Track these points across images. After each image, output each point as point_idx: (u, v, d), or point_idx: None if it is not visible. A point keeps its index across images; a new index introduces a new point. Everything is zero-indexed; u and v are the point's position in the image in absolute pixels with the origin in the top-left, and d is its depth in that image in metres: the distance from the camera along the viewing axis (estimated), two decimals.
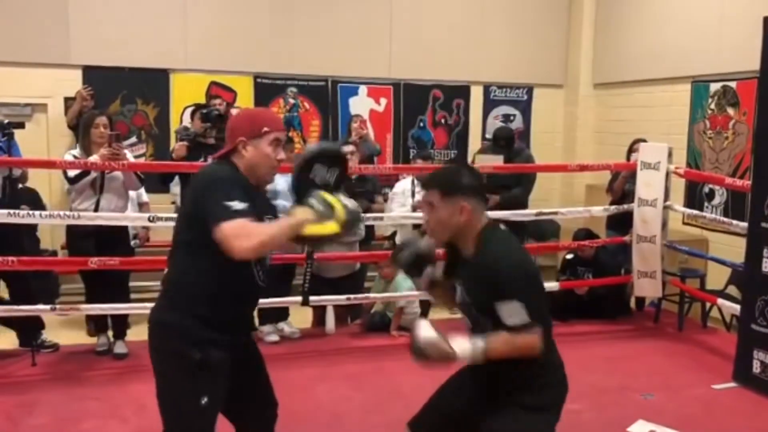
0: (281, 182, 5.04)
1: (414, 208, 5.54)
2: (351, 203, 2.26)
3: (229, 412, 2.47)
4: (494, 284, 2.15)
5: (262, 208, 2.34)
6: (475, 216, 2.26)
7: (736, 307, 4.60)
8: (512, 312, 2.13)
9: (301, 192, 2.37)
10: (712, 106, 6.40)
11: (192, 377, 2.22)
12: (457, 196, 2.24)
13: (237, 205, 2.11)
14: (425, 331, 2.19)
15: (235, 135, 2.33)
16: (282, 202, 4.99)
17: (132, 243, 5.13)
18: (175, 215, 4.96)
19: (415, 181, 5.74)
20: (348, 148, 5.46)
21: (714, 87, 6.36)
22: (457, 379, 2.50)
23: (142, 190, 5.14)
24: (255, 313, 3.92)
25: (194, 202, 2.25)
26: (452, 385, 2.52)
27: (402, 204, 5.68)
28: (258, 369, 2.52)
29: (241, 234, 2.07)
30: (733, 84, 6.16)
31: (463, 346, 2.16)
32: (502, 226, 2.35)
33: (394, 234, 6.18)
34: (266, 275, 2.40)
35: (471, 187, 2.28)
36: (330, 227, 2.18)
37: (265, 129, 2.32)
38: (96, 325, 4.96)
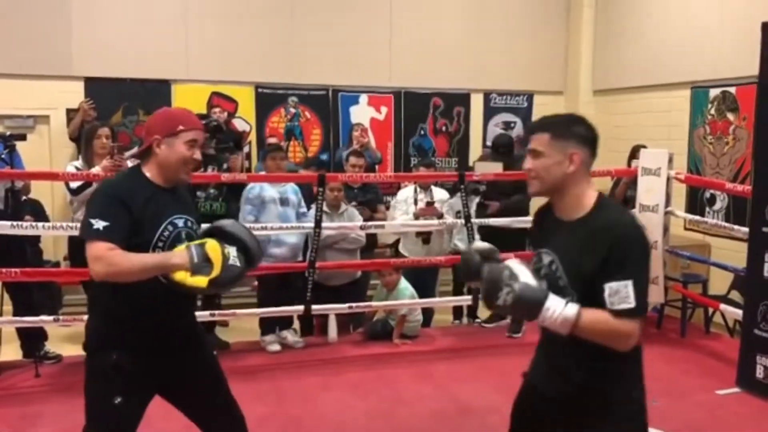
0: (290, 191, 5.08)
1: (416, 216, 5.56)
2: (236, 262, 2.21)
3: (190, 416, 2.52)
4: (606, 252, 1.86)
5: (175, 208, 2.35)
6: (584, 170, 2.01)
7: (739, 313, 4.59)
8: (621, 293, 1.85)
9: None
10: (712, 111, 6.42)
11: (106, 377, 2.29)
12: (569, 142, 1.99)
13: (97, 223, 2.17)
14: (524, 273, 1.90)
15: (150, 133, 2.38)
16: (290, 210, 5.03)
17: None
18: None
19: (418, 189, 5.75)
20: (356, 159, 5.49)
21: (713, 92, 6.38)
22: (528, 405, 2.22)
23: None
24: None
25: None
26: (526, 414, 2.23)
27: (405, 212, 5.70)
28: (195, 372, 2.48)
29: (97, 257, 2.15)
30: (732, 89, 6.18)
31: (557, 301, 1.87)
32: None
33: (396, 242, 6.20)
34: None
35: (585, 137, 2.02)
36: (197, 281, 2.16)
37: (180, 128, 2.34)
38: None
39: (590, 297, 1.89)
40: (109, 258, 2.14)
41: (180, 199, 2.43)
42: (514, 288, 1.87)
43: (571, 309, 1.87)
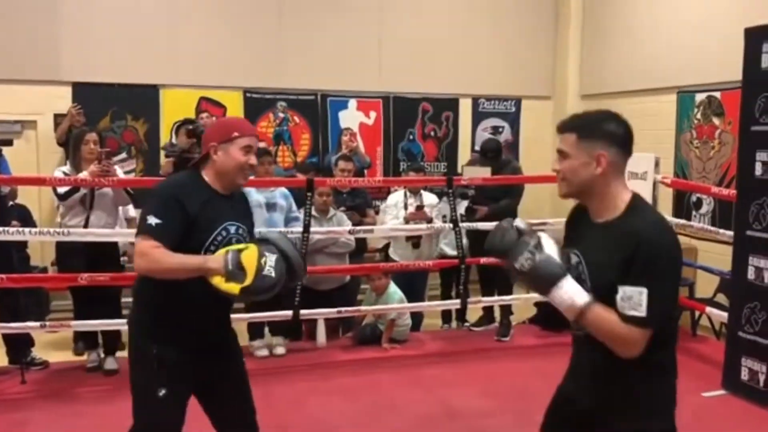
0: (278, 197, 5.08)
1: (407, 220, 5.57)
2: (271, 273, 2.24)
3: (210, 417, 2.59)
4: (629, 256, 1.79)
5: (230, 214, 2.43)
6: (614, 171, 1.91)
7: (725, 315, 4.63)
8: (634, 299, 1.77)
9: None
10: (698, 116, 6.48)
11: (150, 370, 2.38)
12: (596, 142, 1.90)
13: (152, 219, 2.27)
14: (550, 247, 1.88)
15: (207, 141, 2.46)
16: (277, 215, 5.03)
17: (121, 260, 5.12)
18: None
19: (407, 193, 5.77)
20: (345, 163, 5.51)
21: (699, 97, 6.44)
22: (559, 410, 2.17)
23: (130, 206, 5.13)
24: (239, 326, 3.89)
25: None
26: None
27: (395, 216, 5.71)
28: (231, 380, 2.56)
29: (141, 253, 2.26)
30: (717, 94, 6.24)
31: (573, 285, 1.84)
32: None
33: (386, 246, 6.21)
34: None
35: (614, 136, 1.91)
36: (230, 287, 2.22)
37: (235, 134, 2.42)
38: (86, 341, 4.94)
39: (611, 302, 1.83)
40: (152, 254, 2.24)
41: (235, 206, 2.50)
42: (534, 256, 1.85)
43: (583, 297, 1.83)
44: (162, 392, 2.36)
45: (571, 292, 1.84)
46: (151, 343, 2.38)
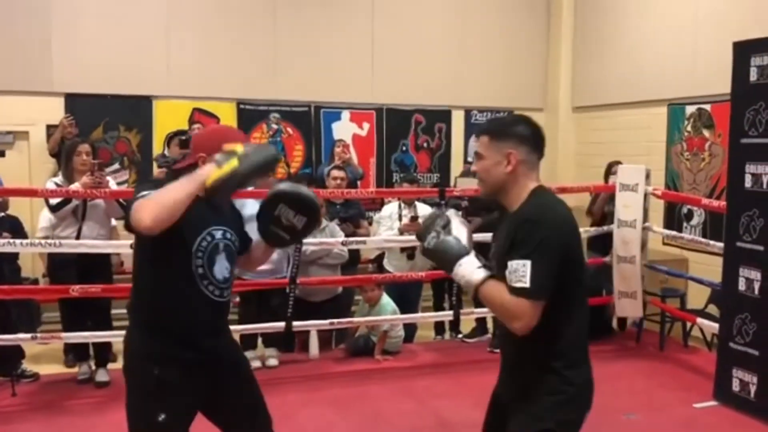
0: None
1: (401, 232, 5.58)
2: (252, 144, 2.21)
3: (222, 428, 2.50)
4: (514, 234, 1.95)
5: (214, 219, 2.34)
6: (524, 169, 2.04)
7: (716, 326, 4.65)
8: (519, 272, 1.89)
9: (261, 224, 2.41)
10: (689, 128, 6.53)
11: (149, 394, 2.27)
12: (505, 143, 2.04)
13: (141, 194, 2.16)
14: (458, 229, 2.04)
15: (195, 150, 2.36)
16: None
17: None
18: None
19: (402, 205, 5.78)
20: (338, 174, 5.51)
21: (690, 110, 6.50)
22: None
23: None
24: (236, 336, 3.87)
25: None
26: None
27: (389, 227, 5.72)
28: (238, 390, 2.49)
29: (138, 210, 2.10)
30: (707, 107, 6.29)
31: (471, 262, 1.98)
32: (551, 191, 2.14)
33: (379, 257, 6.21)
34: (224, 290, 2.38)
35: (523, 136, 2.06)
36: (228, 165, 2.13)
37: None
38: (77, 353, 4.92)
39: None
40: (147, 202, 2.09)
41: (218, 211, 2.37)
42: (439, 236, 2.01)
43: (479, 274, 1.96)
44: (162, 417, 2.25)
45: (469, 269, 1.97)
46: (148, 363, 2.27)
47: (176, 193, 2.11)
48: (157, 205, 2.08)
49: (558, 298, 1.94)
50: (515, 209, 2.05)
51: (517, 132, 2.07)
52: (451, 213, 2.10)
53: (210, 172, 2.15)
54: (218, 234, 2.35)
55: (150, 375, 2.26)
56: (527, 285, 1.88)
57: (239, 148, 2.18)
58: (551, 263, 1.90)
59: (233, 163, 2.12)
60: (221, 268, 2.35)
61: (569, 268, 1.95)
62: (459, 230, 2.04)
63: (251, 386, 2.53)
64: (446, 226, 2.03)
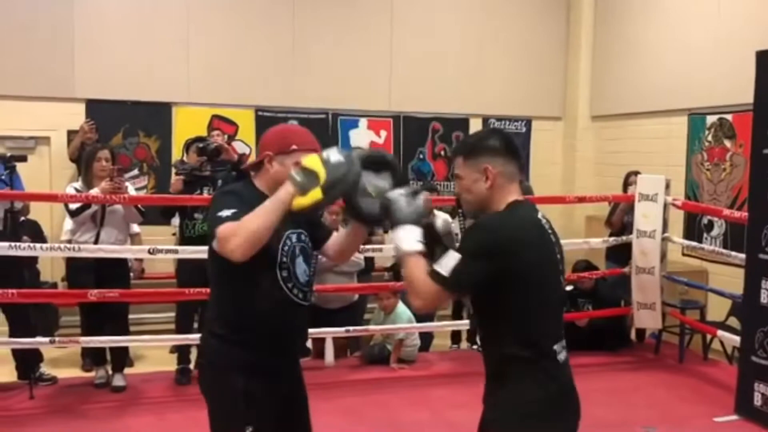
0: None
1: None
2: (339, 158, 2.10)
3: None
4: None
5: (289, 223, 2.25)
6: (502, 181, 2.02)
7: (737, 339, 4.58)
8: (445, 258, 1.93)
9: (351, 208, 2.34)
10: (709, 138, 6.46)
11: (235, 406, 2.21)
12: (479, 158, 2.02)
13: (224, 212, 2.11)
14: (441, 217, 2.19)
15: (263, 149, 2.32)
16: None
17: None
18: (176, 247, 4.99)
19: None
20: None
21: (710, 119, 6.43)
22: None
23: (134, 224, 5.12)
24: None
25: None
26: None
27: None
28: (300, 409, 2.43)
29: (228, 235, 2.06)
30: (729, 116, 6.22)
31: (413, 232, 2.04)
32: (532, 205, 2.10)
33: (394, 265, 6.20)
34: (307, 292, 2.34)
35: (494, 149, 2.03)
36: (312, 196, 2.08)
37: (294, 147, 2.27)
38: (94, 358, 4.95)
39: (479, 299, 2.01)
40: (236, 228, 2.05)
41: (291, 214, 2.23)
42: (404, 195, 2.09)
43: (414, 245, 2.01)
44: (249, 430, 2.18)
45: (406, 237, 2.03)
46: (233, 374, 2.20)
47: (263, 222, 2.07)
48: (247, 241, 2.05)
49: (504, 302, 1.95)
50: None
51: (488, 146, 2.05)
52: (439, 214, 2.17)
53: (291, 195, 2.09)
54: (294, 237, 2.30)
55: (235, 386, 2.19)
56: (445, 274, 1.91)
57: (318, 166, 2.09)
58: (478, 265, 1.91)
59: (316, 195, 2.08)
60: (301, 270, 2.31)
61: (508, 274, 1.91)
62: (424, 205, 2.09)
63: (305, 399, 2.46)
64: (415, 194, 2.10)
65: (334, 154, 2.12)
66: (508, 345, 1.96)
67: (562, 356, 2.02)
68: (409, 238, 2.03)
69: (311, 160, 2.11)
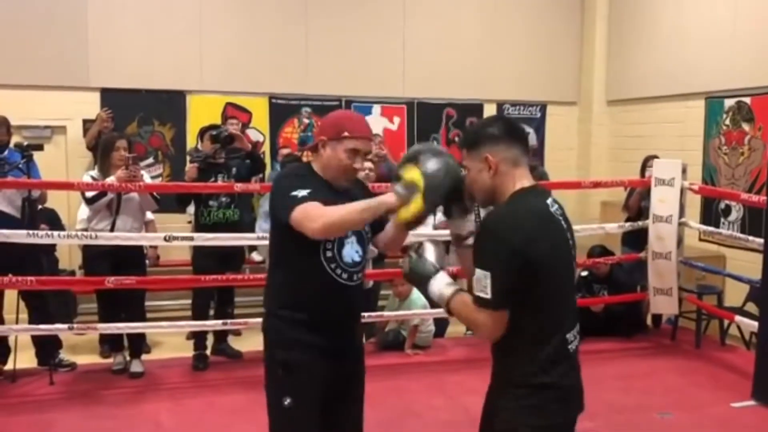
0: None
1: (435, 227, 5.54)
2: (435, 166, 2.16)
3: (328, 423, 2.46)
4: (476, 239, 1.98)
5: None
6: (506, 167, 1.99)
7: (755, 325, 4.55)
8: (482, 282, 1.89)
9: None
10: (727, 121, 6.38)
11: (275, 377, 2.36)
12: (480, 148, 2.00)
13: (300, 192, 2.20)
14: (429, 251, 2.13)
15: (319, 134, 2.42)
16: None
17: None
18: (192, 234, 5.02)
19: None
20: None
21: (728, 103, 6.34)
22: None
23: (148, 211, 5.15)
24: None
25: (271, 208, 2.38)
26: None
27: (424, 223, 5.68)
28: (352, 388, 2.50)
29: (308, 216, 2.15)
30: (747, 99, 6.14)
31: (442, 279, 2.04)
32: (541, 190, 2.05)
33: (407, 247, 6.18)
34: (353, 273, 2.38)
35: (494, 136, 2.00)
36: (414, 208, 2.16)
37: (345, 134, 2.33)
38: (111, 344, 5.00)
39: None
40: (321, 211, 2.15)
41: (347, 194, 2.36)
42: (411, 260, 2.10)
43: (448, 289, 2.01)
44: (287, 401, 2.30)
45: (440, 287, 2.03)
46: (279, 349, 2.35)
47: (350, 217, 2.17)
48: (334, 225, 2.16)
49: (521, 304, 1.91)
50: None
51: (488, 134, 2.02)
52: (425, 241, 2.18)
53: (395, 204, 2.17)
54: None
55: (278, 360, 2.34)
56: (488, 296, 1.89)
57: (417, 177, 2.14)
58: (508, 274, 1.87)
59: (418, 206, 2.15)
60: (351, 251, 2.37)
61: (529, 276, 1.89)
62: (430, 252, 2.12)
63: (363, 389, 2.54)
64: (418, 251, 2.14)
65: (425, 160, 2.18)
66: (519, 333, 1.94)
67: (573, 345, 2.01)
68: (441, 286, 2.03)
69: (408, 171, 2.17)
